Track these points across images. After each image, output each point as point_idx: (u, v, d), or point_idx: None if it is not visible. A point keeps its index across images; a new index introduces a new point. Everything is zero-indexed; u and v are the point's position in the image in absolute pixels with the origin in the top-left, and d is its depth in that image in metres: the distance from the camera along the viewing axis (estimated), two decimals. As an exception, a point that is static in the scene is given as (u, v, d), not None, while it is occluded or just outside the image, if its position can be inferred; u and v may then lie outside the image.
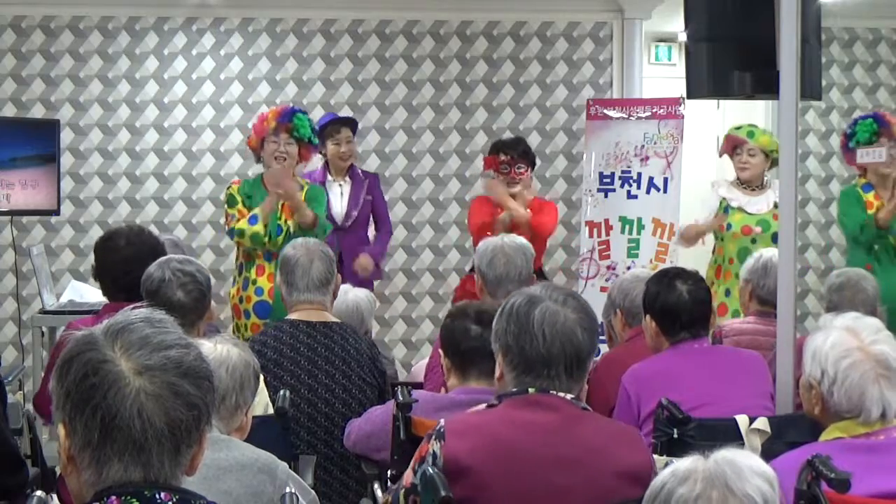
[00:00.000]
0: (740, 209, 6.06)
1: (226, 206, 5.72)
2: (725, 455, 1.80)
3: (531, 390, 2.56)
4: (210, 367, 1.71)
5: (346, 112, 7.69)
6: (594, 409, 2.74)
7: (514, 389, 2.59)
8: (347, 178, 6.30)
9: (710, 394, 3.55)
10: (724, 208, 6.10)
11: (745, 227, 6.03)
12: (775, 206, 5.94)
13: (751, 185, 6.13)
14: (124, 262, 4.03)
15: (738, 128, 6.26)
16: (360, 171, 6.48)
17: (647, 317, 3.82)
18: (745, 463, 1.79)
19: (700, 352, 3.73)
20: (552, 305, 2.57)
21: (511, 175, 5.98)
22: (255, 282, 5.32)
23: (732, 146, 6.12)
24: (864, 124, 5.96)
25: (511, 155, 6.00)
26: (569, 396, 2.57)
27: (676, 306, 3.73)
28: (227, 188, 5.78)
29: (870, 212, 5.95)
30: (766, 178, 6.19)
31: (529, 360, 2.56)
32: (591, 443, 2.54)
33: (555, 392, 2.57)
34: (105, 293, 4.20)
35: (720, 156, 6.35)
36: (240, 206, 5.49)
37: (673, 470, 1.81)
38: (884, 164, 5.94)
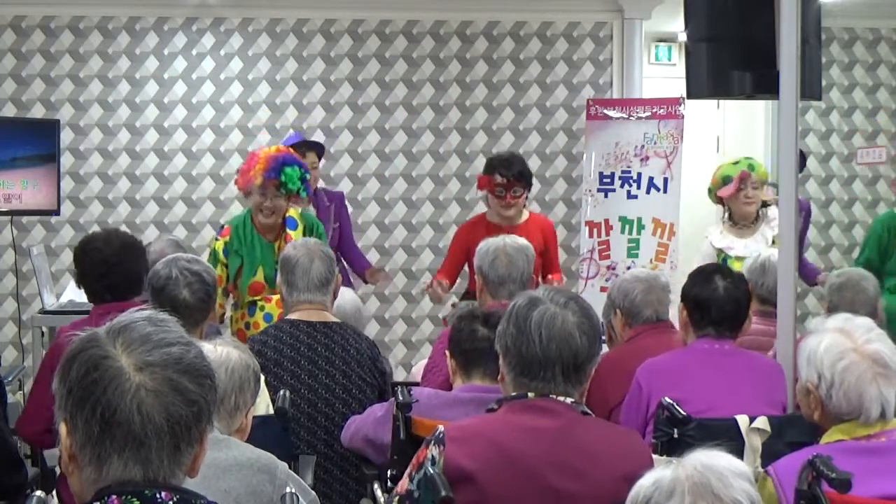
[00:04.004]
0: (738, 258, 5.77)
1: (207, 261, 5.18)
2: (704, 461, 1.79)
3: (531, 395, 2.56)
4: (211, 366, 1.71)
5: (345, 112, 7.70)
6: (593, 409, 2.74)
7: (514, 394, 2.59)
8: (311, 207, 5.92)
9: (720, 398, 3.51)
10: (723, 259, 5.83)
11: None
12: (773, 242, 5.73)
13: (747, 220, 5.89)
14: (106, 260, 3.99)
15: (736, 163, 5.98)
16: (322, 194, 6.16)
17: (681, 305, 3.83)
18: (725, 466, 1.78)
19: (720, 353, 3.69)
20: (552, 308, 2.57)
21: (507, 199, 5.64)
22: (262, 308, 5.11)
23: (740, 181, 5.83)
24: None
25: (507, 177, 5.62)
26: (569, 400, 2.57)
27: (709, 300, 3.71)
28: (216, 238, 5.35)
29: None
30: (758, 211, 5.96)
31: (526, 362, 2.56)
32: (593, 448, 2.53)
33: (554, 396, 2.56)
34: (91, 297, 4.12)
35: (726, 196, 5.89)
36: (218, 271, 4.96)
37: (655, 482, 1.79)
38: None
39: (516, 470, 2.49)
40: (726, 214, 5.97)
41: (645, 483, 1.80)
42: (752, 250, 5.80)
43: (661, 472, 1.79)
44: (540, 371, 2.55)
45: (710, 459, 1.79)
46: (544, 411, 2.54)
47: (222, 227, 5.43)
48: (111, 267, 3.96)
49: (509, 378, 2.61)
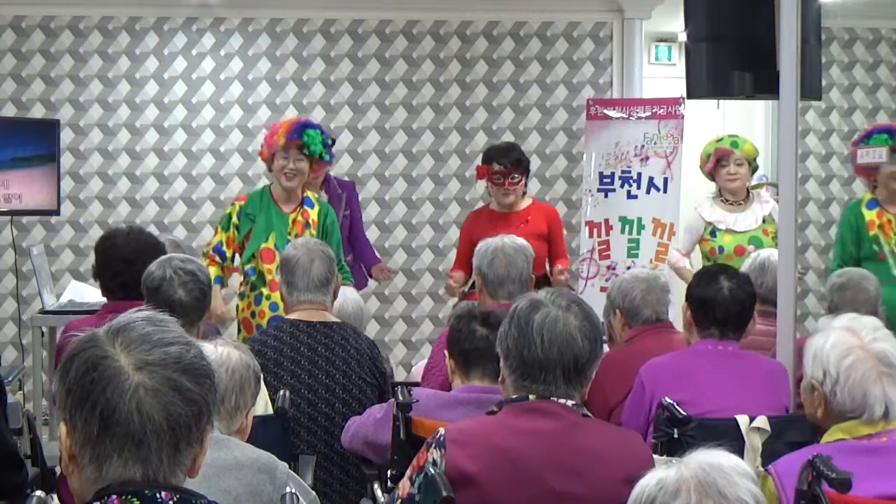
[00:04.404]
0: (729, 230, 5.87)
1: (219, 223, 5.42)
2: (708, 460, 1.78)
3: (531, 397, 2.57)
4: (212, 365, 1.71)
5: (345, 112, 7.70)
6: (593, 410, 2.73)
7: (515, 396, 2.59)
8: (323, 193, 5.97)
9: (723, 400, 3.48)
10: (711, 231, 5.90)
11: (738, 248, 5.80)
12: (764, 220, 5.85)
13: (737, 197, 5.93)
14: (124, 258, 4.05)
15: (720, 140, 6.06)
16: (334, 181, 6.20)
17: (685, 304, 3.81)
18: (730, 466, 1.78)
19: (723, 355, 3.66)
20: (554, 311, 2.58)
21: (505, 186, 5.75)
22: (268, 297, 5.14)
23: (717, 159, 5.92)
24: (878, 139, 5.73)
25: (504, 164, 5.74)
26: (569, 403, 2.57)
27: (713, 300, 3.69)
28: (232, 203, 5.44)
29: (871, 233, 5.72)
30: (750, 190, 6.01)
31: (528, 364, 2.56)
32: (593, 450, 2.54)
33: (555, 399, 2.56)
34: (104, 292, 4.20)
35: (706, 173, 6.05)
36: (230, 233, 5.23)
37: (659, 481, 1.77)
38: (894, 177, 5.72)
39: (517, 472, 2.49)
40: (718, 191, 6.02)
41: (648, 483, 1.78)
42: (742, 225, 5.85)
43: (665, 472, 1.78)
44: (541, 374, 2.56)
45: (713, 459, 1.78)
46: (545, 413, 2.55)
47: (239, 196, 5.50)
48: (128, 265, 4.00)
49: (510, 381, 2.62)
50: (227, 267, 5.30)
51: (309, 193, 5.35)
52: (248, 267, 5.22)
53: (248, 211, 5.24)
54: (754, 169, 6.05)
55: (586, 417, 2.60)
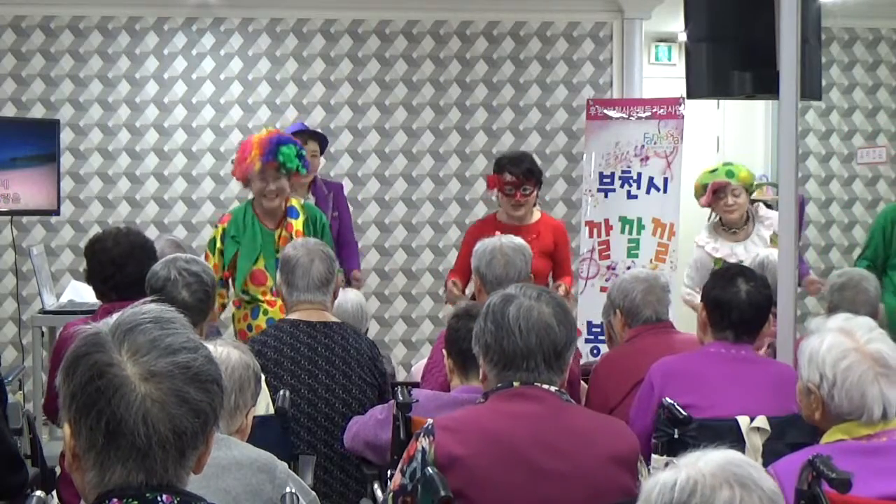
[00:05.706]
0: (739, 263, 5.76)
1: (208, 247, 5.25)
2: (724, 457, 1.75)
3: (516, 384, 2.64)
4: (219, 368, 1.68)
5: (345, 112, 7.70)
6: (593, 409, 2.76)
7: (499, 385, 2.66)
8: (310, 195, 5.86)
9: (733, 405, 3.45)
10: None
11: None
12: (771, 240, 5.59)
13: (736, 225, 5.76)
14: (113, 261, 4.02)
15: (713, 170, 5.84)
16: (321, 183, 6.05)
17: (701, 304, 3.76)
18: (745, 459, 1.76)
19: (736, 359, 3.60)
20: (526, 301, 2.66)
21: (516, 197, 5.57)
22: (266, 312, 5.07)
23: (714, 191, 5.71)
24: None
25: (516, 175, 5.55)
26: (552, 388, 2.65)
27: (730, 302, 3.63)
28: (216, 225, 5.32)
29: None
30: (748, 212, 5.81)
31: (509, 355, 2.64)
32: (578, 430, 2.62)
33: (539, 384, 2.64)
34: (98, 295, 4.16)
35: (705, 205, 5.83)
36: (215, 259, 5.08)
37: (688, 478, 1.65)
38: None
39: (505, 453, 2.56)
40: (717, 219, 5.86)
41: (666, 481, 1.67)
42: (752, 253, 5.70)
43: (682, 472, 1.68)
44: (523, 362, 2.64)
45: (727, 455, 1.72)
46: (530, 398, 2.63)
47: (223, 216, 5.36)
48: (118, 267, 3.99)
49: (492, 374, 2.69)
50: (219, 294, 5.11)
51: (293, 202, 5.20)
52: (241, 293, 5.12)
53: (232, 233, 5.12)
54: (751, 193, 5.85)
55: (569, 402, 2.68)
